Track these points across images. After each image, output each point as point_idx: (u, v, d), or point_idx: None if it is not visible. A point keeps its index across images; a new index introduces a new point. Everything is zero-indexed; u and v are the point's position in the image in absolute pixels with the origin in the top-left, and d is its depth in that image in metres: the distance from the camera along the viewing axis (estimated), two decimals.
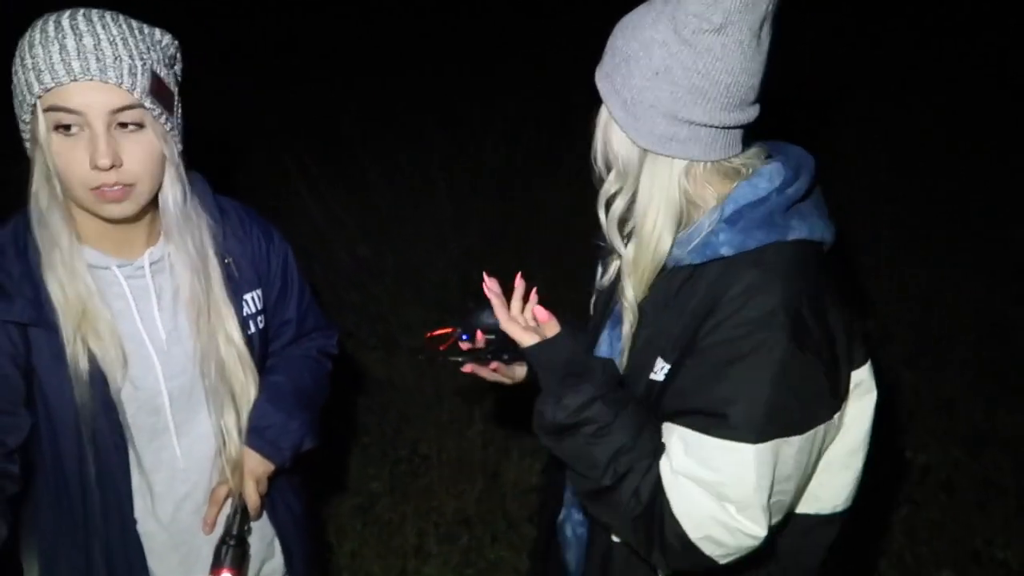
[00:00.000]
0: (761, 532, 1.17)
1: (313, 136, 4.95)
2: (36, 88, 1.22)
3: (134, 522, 1.44)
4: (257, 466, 1.52)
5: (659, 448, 1.23)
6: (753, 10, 1.16)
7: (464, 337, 1.53)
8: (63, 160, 1.25)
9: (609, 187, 1.30)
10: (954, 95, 5.75)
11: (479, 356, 1.53)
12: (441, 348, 1.52)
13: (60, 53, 1.21)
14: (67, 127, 1.24)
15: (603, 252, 1.49)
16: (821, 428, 1.20)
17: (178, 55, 1.37)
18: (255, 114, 5.06)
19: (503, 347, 1.52)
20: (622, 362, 1.38)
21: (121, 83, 1.23)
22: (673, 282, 1.27)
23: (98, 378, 1.34)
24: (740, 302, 1.16)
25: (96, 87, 1.23)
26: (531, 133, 4.88)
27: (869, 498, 2.84)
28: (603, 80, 1.26)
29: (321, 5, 7.33)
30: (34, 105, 1.24)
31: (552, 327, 1.33)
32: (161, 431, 1.44)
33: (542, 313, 1.35)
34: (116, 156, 1.25)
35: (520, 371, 1.58)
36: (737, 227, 1.20)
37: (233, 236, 1.50)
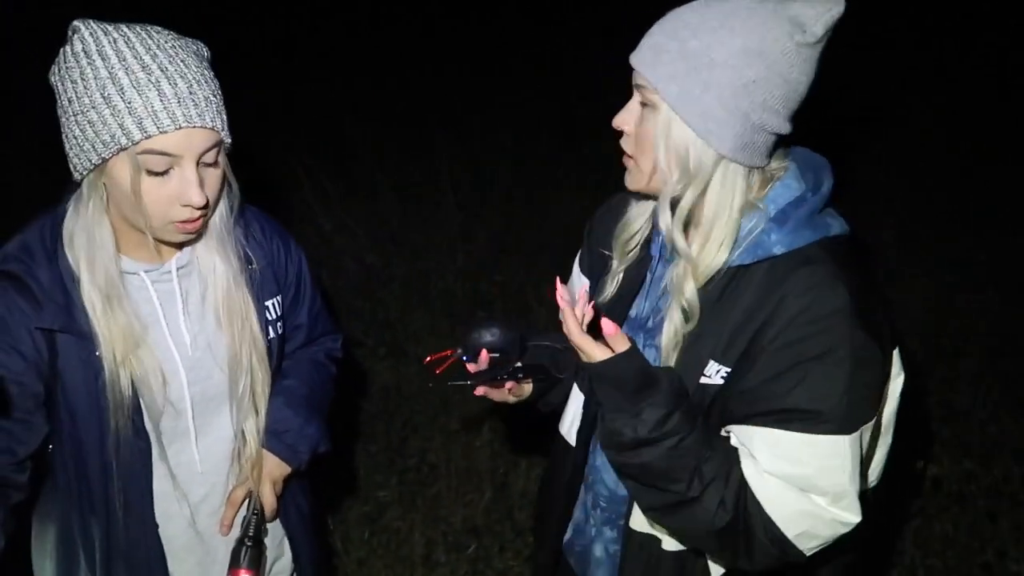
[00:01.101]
0: (857, 519, 1.22)
1: (318, 142, 4.95)
2: (136, 135, 1.22)
3: (155, 526, 1.46)
4: (275, 468, 1.55)
5: (731, 453, 1.25)
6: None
7: (465, 358, 1.47)
8: (151, 198, 1.27)
9: (673, 189, 1.26)
10: (955, 95, 5.75)
11: (492, 376, 1.47)
12: (437, 372, 1.47)
13: (160, 100, 1.22)
14: (161, 171, 1.25)
15: (605, 265, 1.48)
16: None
17: None
18: (255, 115, 5.05)
19: (515, 365, 1.49)
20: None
21: (214, 126, 1.27)
22: (717, 285, 1.28)
23: (134, 400, 1.36)
24: (807, 300, 1.21)
25: (193, 131, 1.25)
26: (537, 140, 4.89)
27: (881, 511, 2.84)
28: (671, 82, 1.21)
29: (321, 5, 7.33)
30: (123, 147, 1.23)
31: (622, 341, 1.25)
32: (181, 434, 1.46)
33: (609, 326, 1.24)
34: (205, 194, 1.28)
35: (527, 388, 1.56)
36: (787, 227, 1.24)
37: (256, 243, 1.52)
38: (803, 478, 1.20)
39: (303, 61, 6.31)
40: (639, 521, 1.41)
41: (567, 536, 1.60)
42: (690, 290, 1.28)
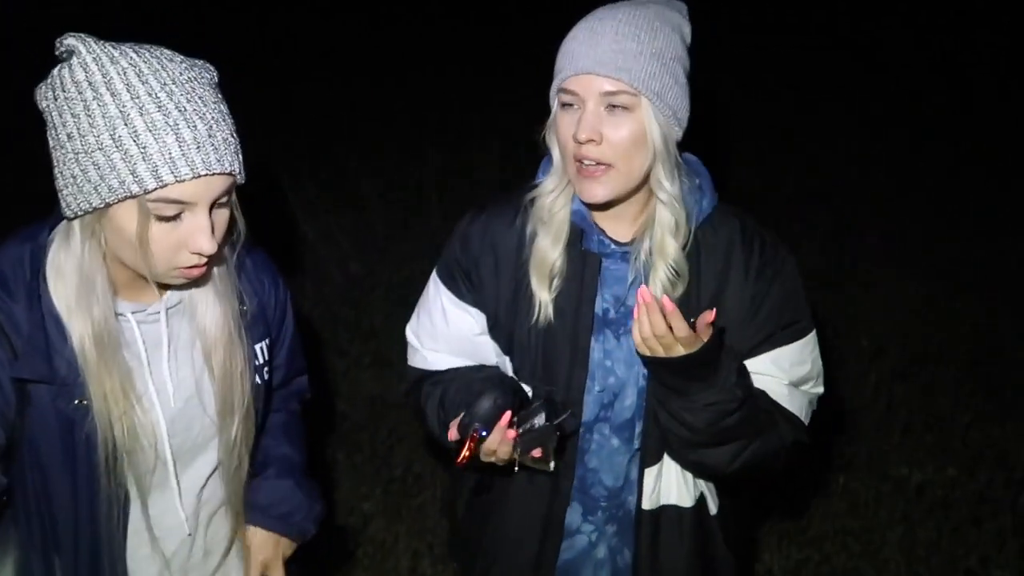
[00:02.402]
0: (823, 388, 1.55)
1: (304, 151, 4.94)
2: (150, 183, 1.10)
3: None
4: (286, 548, 1.52)
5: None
6: None
7: (483, 433, 1.35)
8: (158, 246, 1.16)
9: (667, 175, 1.37)
10: (943, 101, 5.79)
11: (545, 433, 1.37)
12: (463, 461, 1.36)
13: (179, 146, 1.10)
14: (171, 216, 1.14)
15: (506, 295, 1.50)
16: None
17: None
18: (244, 121, 5.03)
19: (552, 409, 1.40)
20: None
21: (233, 171, 1.17)
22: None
23: (121, 461, 1.28)
24: (748, 245, 1.45)
25: (211, 178, 1.14)
26: (524, 150, 4.86)
27: (865, 517, 2.85)
28: (652, 80, 1.31)
29: (314, 13, 7.32)
30: (133, 195, 1.11)
31: (710, 328, 1.33)
32: (157, 486, 1.37)
33: (709, 315, 1.33)
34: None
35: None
36: (706, 192, 1.45)
37: (247, 281, 1.41)
38: (806, 374, 1.50)
39: (302, 64, 6.27)
40: (650, 500, 1.52)
41: (563, 546, 1.58)
42: (675, 249, 1.40)
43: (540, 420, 1.37)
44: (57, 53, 1.14)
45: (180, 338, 1.34)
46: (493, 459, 1.39)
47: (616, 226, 1.45)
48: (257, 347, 1.41)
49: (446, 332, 1.57)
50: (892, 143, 5.45)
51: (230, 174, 1.17)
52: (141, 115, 1.08)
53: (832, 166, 5.21)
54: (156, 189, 1.10)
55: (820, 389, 1.55)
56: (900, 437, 3.22)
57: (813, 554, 2.73)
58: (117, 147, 1.09)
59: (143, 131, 1.08)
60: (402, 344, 3.75)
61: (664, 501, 1.53)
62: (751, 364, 1.46)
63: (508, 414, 1.35)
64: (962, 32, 6.68)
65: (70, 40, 1.11)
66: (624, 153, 1.32)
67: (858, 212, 4.69)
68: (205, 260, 1.20)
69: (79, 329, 1.20)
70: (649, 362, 1.35)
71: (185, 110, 1.11)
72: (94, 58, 1.09)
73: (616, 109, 1.31)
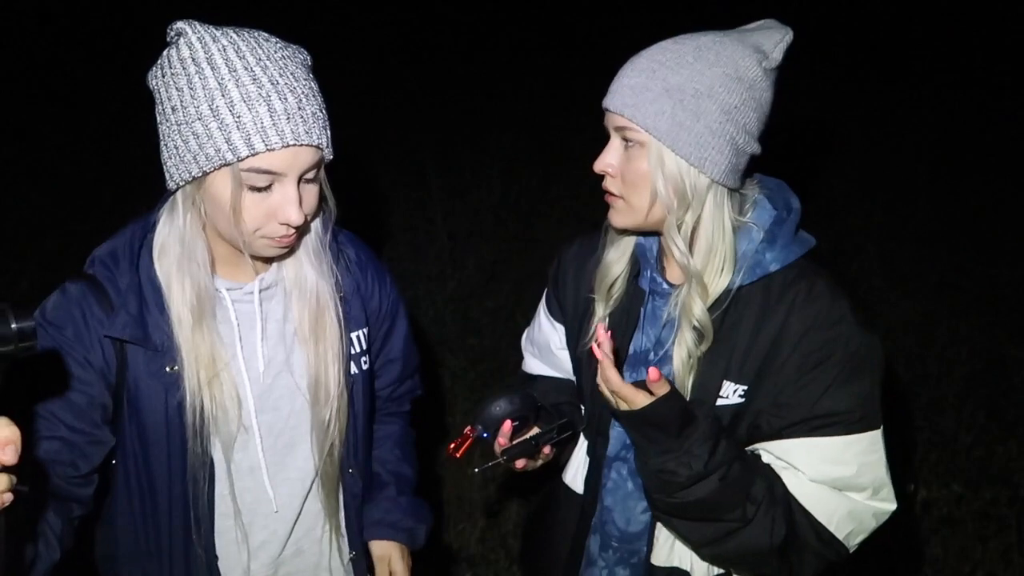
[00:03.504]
0: (895, 506, 1.33)
1: None
2: (243, 151, 1.17)
3: (215, 557, 1.42)
4: (408, 557, 1.60)
5: (769, 470, 1.31)
6: None
7: (486, 436, 1.44)
8: (250, 214, 1.23)
9: (678, 218, 1.31)
10: (951, 101, 5.78)
11: (529, 446, 1.44)
12: (459, 455, 1.44)
13: (270, 116, 1.17)
14: (262, 186, 1.21)
15: (582, 311, 1.53)
16: None
17: None
18: None
19: (551, 427, 1.47)
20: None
21: (321, 144, 1.23)
22: (720, 307, 1.34)
23: (207, 427, 1.33)
24: (814, 312, 1.29)
25: (299, 149, 1.21)
26: (527, 170, 4.88)
27: (871, 535, 2.85)
28: (660, 118, 1.25)
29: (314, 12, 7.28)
30: (227, 163, 1.19)
31: (664, 384, 1.27)
32: (248, 470, 1.42)
33: (654, 372, 1.26)
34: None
35: (547, 450, 1.55)
36: (777, 245, 1.32)
37: (347, 271, 1.47)
38: (847, 479, 1.27)
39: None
40: (661, 556, 1.45)
41: None
42: (700, 309, 1.32)
43: (532, 435, 1.45)
44: (168, 39, 1.23)
45: (272, 319, 1.40)
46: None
47: (676, 265, 1.41)
48: (353, 335, 1.46)
49: (539, 341, 1.70)
50: (892, 143, 5.45)
51: (318, 147, 1.23)
52: (237, 87, 1.16)
53: (832, 166, 5.21)
54: (248, 157, 1.18)
55: (882, 505, 1.32)
56: (905, 456, 3.23)
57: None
58: (214, 116, 1.17)
59: (238, 101, 1.16)
60: None
61: (677, 563, 1.45)
62: (776, 446, 1.32)
63: (508, 423, 1.43)
64: (963, 33, 6.67)
65: (179, 24, 1.21)
66: (629, 188, 1.32)
67: (858, 212, 4.68)
68: (293, 231, 1.26)
69: (177, 296, 1.29)
70: (609, 411, 1.38)
71: (277, 83, 1.18)
72: (198, 37, 1.19)
73: (631, 144, 1.30)
